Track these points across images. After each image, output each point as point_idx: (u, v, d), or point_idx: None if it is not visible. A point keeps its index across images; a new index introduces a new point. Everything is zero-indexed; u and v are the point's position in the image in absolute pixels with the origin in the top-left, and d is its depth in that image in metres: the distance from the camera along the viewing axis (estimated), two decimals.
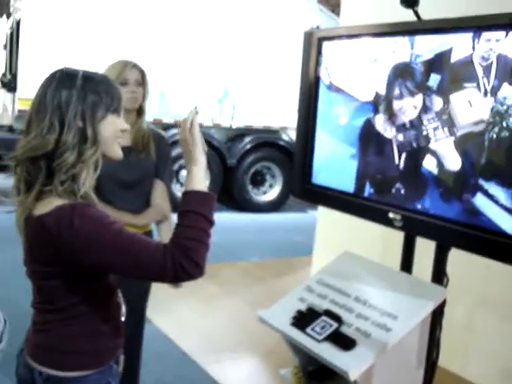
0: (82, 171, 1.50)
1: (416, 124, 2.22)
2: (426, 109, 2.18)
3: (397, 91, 2.28)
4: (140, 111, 2.67)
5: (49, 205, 1.47)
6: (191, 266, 1.40)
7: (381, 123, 2.37)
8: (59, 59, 6.79)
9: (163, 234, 2.73)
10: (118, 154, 1.59)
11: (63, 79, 1.51)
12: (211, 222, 1.48)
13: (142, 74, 2.67)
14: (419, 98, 2.19)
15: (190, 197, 1.49)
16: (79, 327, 1.59)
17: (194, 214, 1.46)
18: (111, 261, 1.44)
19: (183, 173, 8.54)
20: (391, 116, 2.31)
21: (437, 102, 2.15)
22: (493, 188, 1.98)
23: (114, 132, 1.56)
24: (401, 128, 2.29)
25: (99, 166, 1.54)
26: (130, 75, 2.61)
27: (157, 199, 2.73)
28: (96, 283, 1.60)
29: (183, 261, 1.40)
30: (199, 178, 1.53)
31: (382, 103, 2.35)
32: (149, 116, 8.29)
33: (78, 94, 1.49)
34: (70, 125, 1.47)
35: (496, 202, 1.97)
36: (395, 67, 2.29)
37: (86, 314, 1.59)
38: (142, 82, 2.66)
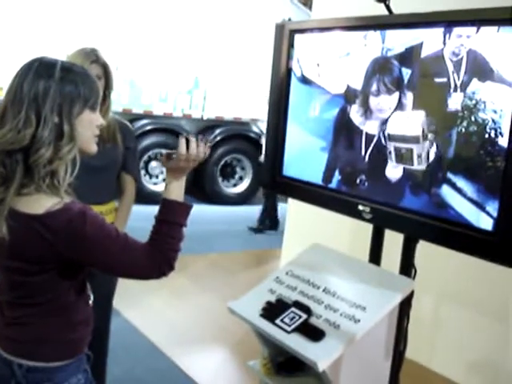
0: (59, 167, 1.47)
1: (388, 118, 2.24)
2: (399, 102, 2.20)
3: (374, 87, 2.29)
4: (104, 102, 2.61)
5: (38, 203, 1.46)
6: (169, 271, 1.58)
7: (354, 116, 2.38)
8: (28, 46, 6.68)
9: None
10: (93, 149, 1.59)
11: (41, 70, 1.47)
12: None
13: (104, 67, 2.59)
14: (395, 95, 2.21)
15: (178, 208, 1.63)
16: (60, 318, 1.59)
17: (180, 226, 1.61)
18: (106, 262, 1.54)
19: (153, 164, 8.49)
20: (366, 110, 2.33)
21: (408, 96, 2.17)
22: (461, 181, 2.01)
23: (90, 128, 1.55)
24: (373, 121, 2.31)
25: (77, 163, 1.52)
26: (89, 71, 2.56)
27: (125, 203, 2.77)
28: (78, 276, 1.60)
29: (166, 268, 1.57)
30: (182, 187, 1.67)
31: (359, 96, 2.35)
32: (118, 106, 8.14)
33: (55, 86, 1.46)
34: (46, 119, 1.44)
35: (464, 195, 2.00)
36: (374, 61, 2.30)
37: (66, 306, 1.59)
38: (104, 74, 2.59)
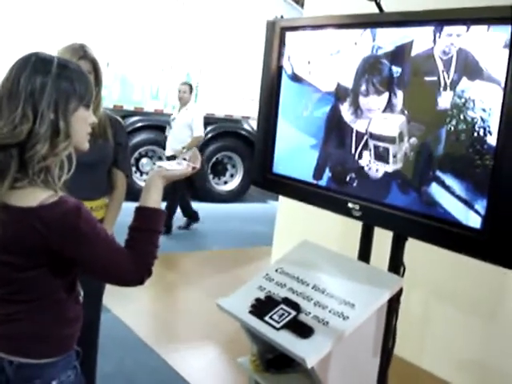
0: (53, 163, 1.48)
1: (378, 116, 2.25)
2: (389, 102, 2.21)
3: (363, 87, 2.29)
4: (95, 98, 2.60)
5: (32, 196, 1.45)
6: (148, 277, 1.58)
7: (345, 114, 2.39)
8: (19, 41, 6.66)
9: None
10: (85, 146, 1.60)
11: (38, 65, 1.47)
12: None
13: (92, 62, 2.57)
14: (385, 95, 2.22)
15: (159, 216, 1.63)
16: (51, 315, 1.59)
17: (159, 234, 1.61)
18: (90, 261, 1.53)
19: (144, 161, 8.48)
20: (356, 108, 2.33)
21: (398, 95, 2.17)
22: (449, 179, 2.02)
23: (84, 125, 1.55)
24: (363, 120, 2.31)
25: (73, 159, 1.52)
26: None
27: (115, 199, 2.77)
28: (69, 273, 1.60)
29: (145, 275, 1.57)
30: (160, 195, 1.66)
31: (349, 94, 2.36)
32: (109, 102, 8.12)
33: (52, 82, 1.46)
34: (43, 116, 1.44)
35: (452, 193, 2.01)
36: (364, 61, 2.30)
37: (57, 303, 1.59)
38: (93, 70, 2.57)
